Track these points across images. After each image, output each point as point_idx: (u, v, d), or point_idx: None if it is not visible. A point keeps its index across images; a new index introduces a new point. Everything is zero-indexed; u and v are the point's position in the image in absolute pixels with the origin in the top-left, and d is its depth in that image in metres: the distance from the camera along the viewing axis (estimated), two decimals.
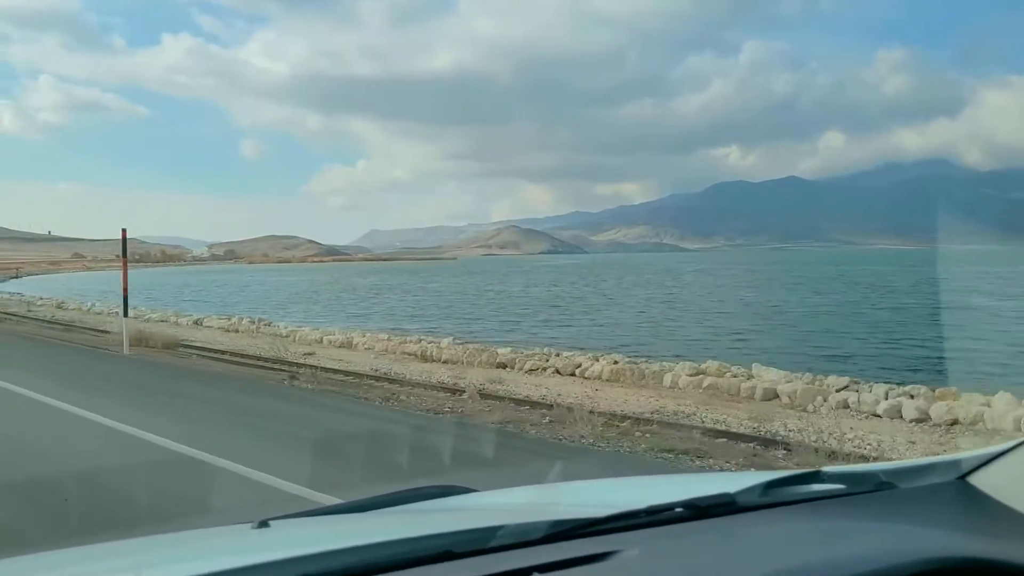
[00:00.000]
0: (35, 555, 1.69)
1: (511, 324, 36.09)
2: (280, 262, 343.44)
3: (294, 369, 15.15)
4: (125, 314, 18.46)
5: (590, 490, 2.21)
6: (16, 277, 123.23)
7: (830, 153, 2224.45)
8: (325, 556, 1.30)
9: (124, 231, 18.14)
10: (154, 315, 34.49)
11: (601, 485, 2.37)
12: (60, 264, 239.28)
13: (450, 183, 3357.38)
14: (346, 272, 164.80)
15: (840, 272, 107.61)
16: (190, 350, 19.33)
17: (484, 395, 12.30)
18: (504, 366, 16.98)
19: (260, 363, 16.93)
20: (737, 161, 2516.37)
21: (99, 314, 37.18)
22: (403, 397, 11.93)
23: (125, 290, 18.17)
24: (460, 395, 12.32)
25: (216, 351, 19.32)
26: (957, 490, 1.64)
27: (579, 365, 15.72)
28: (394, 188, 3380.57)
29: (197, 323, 30.48)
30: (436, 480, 2.39)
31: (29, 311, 39.66)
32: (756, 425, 10.75)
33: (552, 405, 11.14)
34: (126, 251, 19.29)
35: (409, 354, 19.45)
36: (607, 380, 14.64)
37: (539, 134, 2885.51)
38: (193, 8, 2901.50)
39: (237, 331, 27.15)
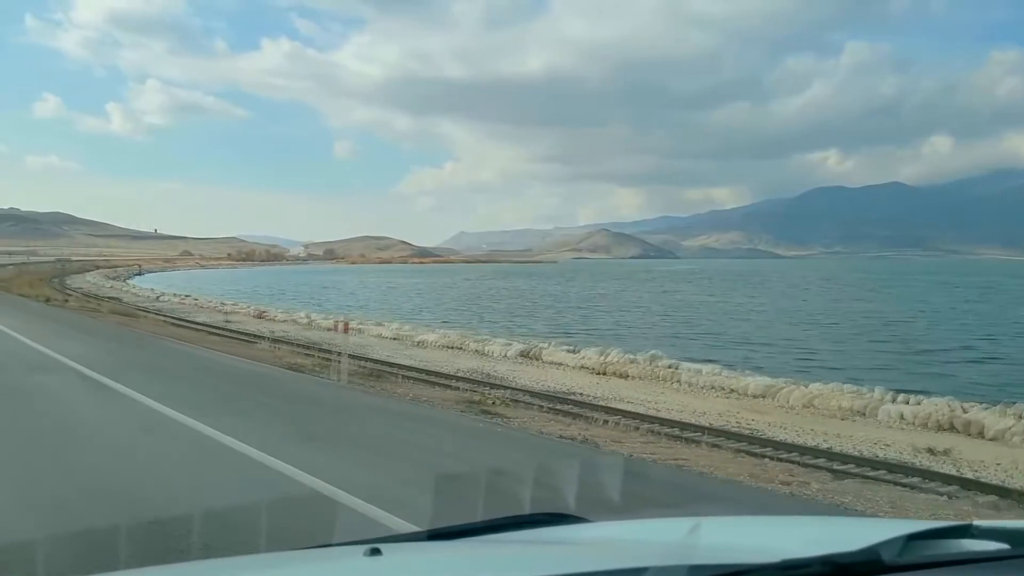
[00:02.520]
0: (147, 569, 1.79)
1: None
2: (381, 263, 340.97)
3: None
4: None
5: (718, 530, 1.86)
6: (139, 274, 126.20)
7: (935, 158, 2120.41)
8: None
9: None
10: (384, 330, 26.55)
11: (727, 524, 2.12)
12: (173, 261, 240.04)
13: (536, 185, 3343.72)
14: (459, 274, 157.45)
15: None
16: None
17: None
18: None
19: None
20: (835, 166, 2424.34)
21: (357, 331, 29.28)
22: None
23: None
24: None
25: None
26: None
27: None
28: (482, 190, 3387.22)
29: (481, 352, 22.07)
30: None
31: (228, 321, 32.09)
32: None
33: None
34: None
35: None
36: None
37: (629, 137, 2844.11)
38: (292, 12, 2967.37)
39: (630, 376, 18.24)
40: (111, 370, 11.63)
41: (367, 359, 19.15)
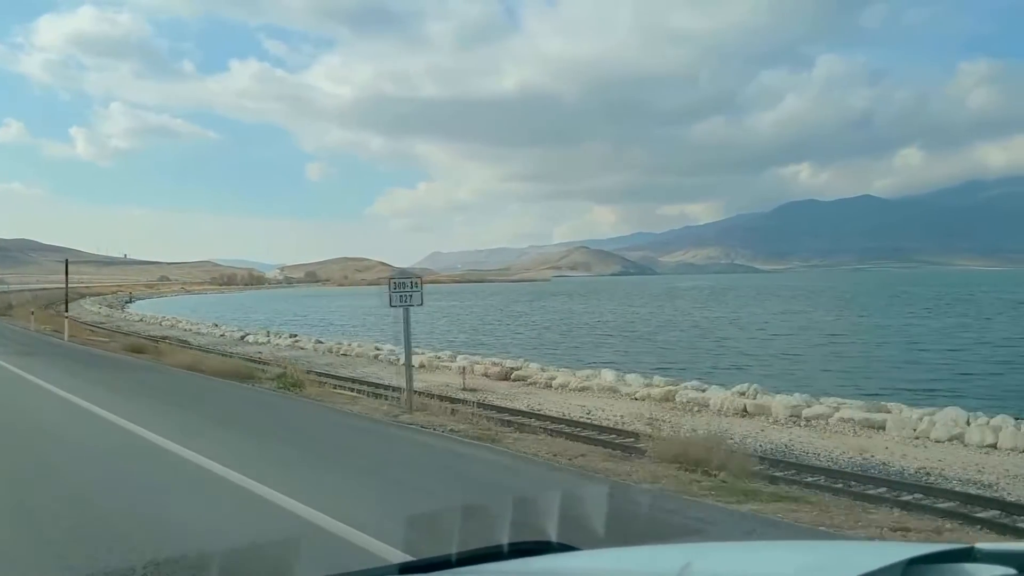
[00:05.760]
0: None
1: None
2: (369, 284, 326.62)
3: None
4: None
5: (711, 558, 1.78)
6: (130, 301, 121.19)
7: (907, 171, 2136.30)
8: None
9: None
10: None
11: (720, 551, 2.06)
12: (157, 287, 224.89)
13: (512, 204, 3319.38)
14: (465, 295, 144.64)
15: None
16: None
17: None
18: None
19: None
20: (807, 179, 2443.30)
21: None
22: None
23: None
24: None
25: None
26: None
27: None
28: (457, 210, 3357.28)
29: None
30: None
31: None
32: None
33: None
34: None
35: None
36: None
37: (605, 154, 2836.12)
38: (261, 33, 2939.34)
39: None
40: None
41: None
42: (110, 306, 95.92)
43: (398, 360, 26.53)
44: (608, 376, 20.01)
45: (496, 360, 24.24)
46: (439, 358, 25.42)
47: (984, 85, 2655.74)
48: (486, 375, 21.51)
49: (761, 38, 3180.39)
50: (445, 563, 1.75)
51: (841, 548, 2.78)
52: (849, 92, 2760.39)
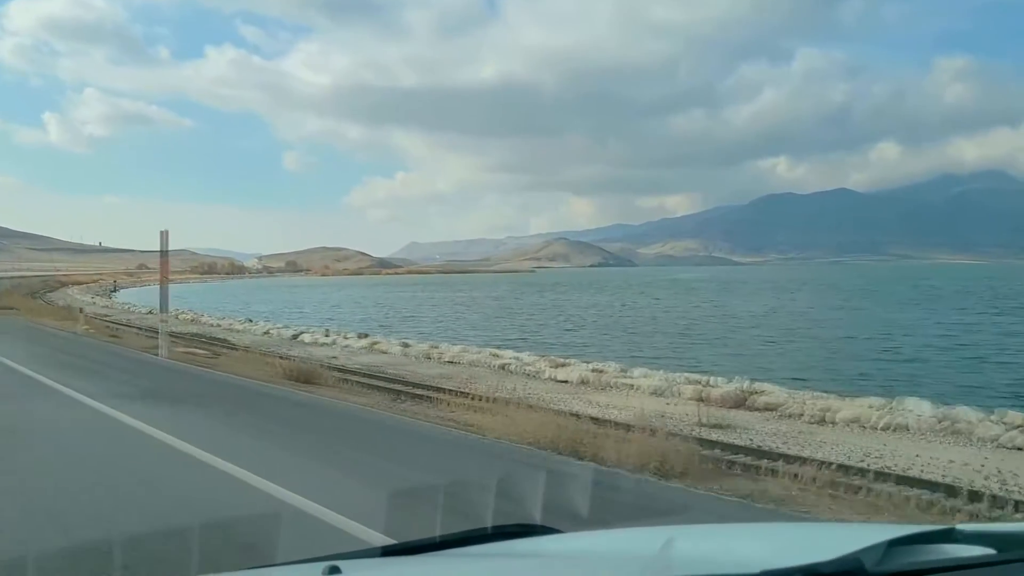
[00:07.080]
0: None
1: None
2: (352, 274, 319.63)
3: None
4: None
5: (693, 540, 1.78)
6: (115, 290, 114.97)
7: (882, 165, 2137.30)
8: None
9: None
10: None
11: (702, 534, 2.05)
12: (138, 275, 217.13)
13: (490, 195, 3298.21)
14: (456, 287, 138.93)
15: None
16: None
17: None
18: None
19: None
20: (785, 173, 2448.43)
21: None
22: None
23: None
24: None
25: None
26: None
27: None
28: (435, 200, 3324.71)
29: None
30: None
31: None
32: None
33: None
34: None
35: None
36: None
37: (585, 146, 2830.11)
38: (237, 19, 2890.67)
39: None
40: None
41: None
42: (99, 295, 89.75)
43: (538, 373, 21.14)
44: (923, 407, 14.25)
45: (692, 375, 18.85)
46: (601, 371, 19.87)
47: (960, 81, 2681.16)
48: (701, 399, 16.09)
49: (740, 31, 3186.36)
50: (429, 545, 1.74)
51: (823, 529, 2.78)
52: (826, 86, 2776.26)
